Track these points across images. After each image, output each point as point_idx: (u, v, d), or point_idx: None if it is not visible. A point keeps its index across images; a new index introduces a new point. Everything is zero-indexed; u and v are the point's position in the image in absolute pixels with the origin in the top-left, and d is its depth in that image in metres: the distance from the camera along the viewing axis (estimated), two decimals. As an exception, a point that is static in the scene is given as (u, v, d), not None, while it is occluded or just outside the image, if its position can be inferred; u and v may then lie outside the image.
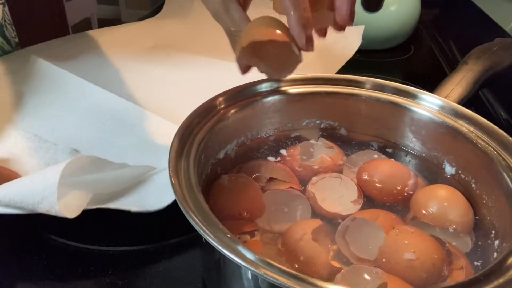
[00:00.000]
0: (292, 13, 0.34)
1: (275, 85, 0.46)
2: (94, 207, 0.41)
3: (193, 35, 0.83)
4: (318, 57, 0.70)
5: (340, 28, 0.38)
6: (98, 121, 0.56)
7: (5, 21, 0.63)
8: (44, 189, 0.36)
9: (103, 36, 0.79)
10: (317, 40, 0.37)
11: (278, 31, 0.35)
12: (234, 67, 0.38)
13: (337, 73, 0.48)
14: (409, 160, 0.46)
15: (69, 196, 0.38)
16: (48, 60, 0.65)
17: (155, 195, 0.43)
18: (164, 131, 0.51)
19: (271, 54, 0.39)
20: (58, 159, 0.50)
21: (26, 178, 0.39)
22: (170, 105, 0.59)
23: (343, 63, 0.71)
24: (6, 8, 0.61)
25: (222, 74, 0.64)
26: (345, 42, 0.76)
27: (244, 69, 0.39)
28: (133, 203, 0.42)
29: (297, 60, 0.37)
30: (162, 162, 0.46)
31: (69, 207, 0.37)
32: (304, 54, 0.36)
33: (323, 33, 0.40)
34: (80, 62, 0.69)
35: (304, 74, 0.46)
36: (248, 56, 0.37)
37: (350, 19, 0.37)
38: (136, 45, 0.79)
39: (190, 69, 0.70)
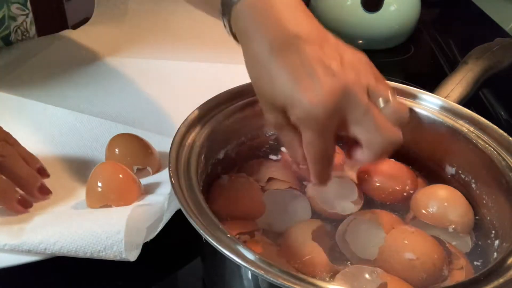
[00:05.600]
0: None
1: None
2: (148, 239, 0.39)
3: (130, 39, 0.79)
4: None
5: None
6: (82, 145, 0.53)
7: None
8: (107, 238, 0.36)
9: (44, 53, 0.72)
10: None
11: None
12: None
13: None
14: (409, 160, 0.46)
15: (130, 238, 0.37)
16: None
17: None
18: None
19: None
20: None
21: (81, 228, 0.37)
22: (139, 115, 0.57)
23: None
24: None
25: (183, 75, 0.61)
26: None
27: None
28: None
29: None
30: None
31: (131, 249, 0.36)
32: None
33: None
34: (34, 86, 0.63)
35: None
36: None
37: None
38: (76, 58, 0.72)
39: (140, 75, 0.66)
